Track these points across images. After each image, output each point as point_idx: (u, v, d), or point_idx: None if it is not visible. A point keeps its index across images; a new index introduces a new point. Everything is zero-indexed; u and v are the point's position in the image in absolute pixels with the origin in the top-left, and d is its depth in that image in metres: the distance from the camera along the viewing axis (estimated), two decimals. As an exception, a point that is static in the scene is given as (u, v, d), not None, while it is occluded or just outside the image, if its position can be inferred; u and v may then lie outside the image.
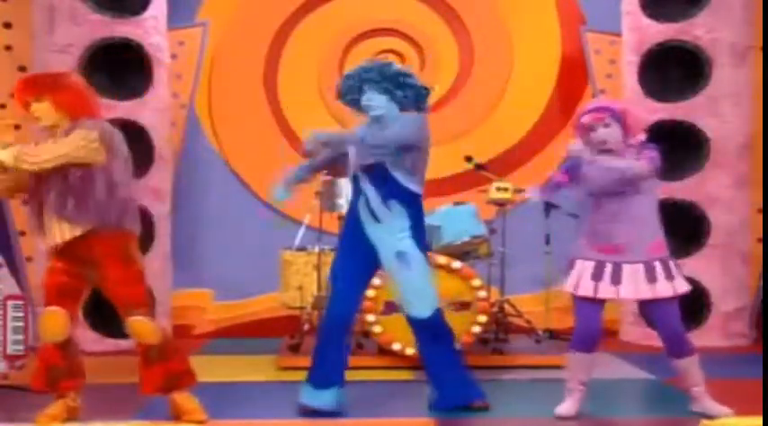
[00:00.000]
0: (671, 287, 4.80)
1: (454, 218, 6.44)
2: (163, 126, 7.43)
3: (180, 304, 7.84)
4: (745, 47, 7.38)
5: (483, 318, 6.24)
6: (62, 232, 4.65)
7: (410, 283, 5.05)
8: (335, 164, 5.83)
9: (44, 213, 4.69)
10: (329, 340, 5.11)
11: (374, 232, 5.05)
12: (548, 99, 8.19)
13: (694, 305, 6.92)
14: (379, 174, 5.00)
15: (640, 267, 4.79)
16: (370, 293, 5.99)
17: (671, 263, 4.84)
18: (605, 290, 4.82)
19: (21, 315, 5.66)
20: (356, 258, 5.12)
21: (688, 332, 4.97)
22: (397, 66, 5.22)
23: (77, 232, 4.63)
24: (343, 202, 6.37)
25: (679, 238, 6.35)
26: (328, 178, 6.63)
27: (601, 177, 4.81)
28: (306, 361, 5.34)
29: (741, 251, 7.41)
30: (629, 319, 7.51)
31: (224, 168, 8.08)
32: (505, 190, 6.84)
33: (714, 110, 7.27)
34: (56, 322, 4.73)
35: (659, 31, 7.34)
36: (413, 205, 5.06)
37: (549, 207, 7.19)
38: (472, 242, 6.47)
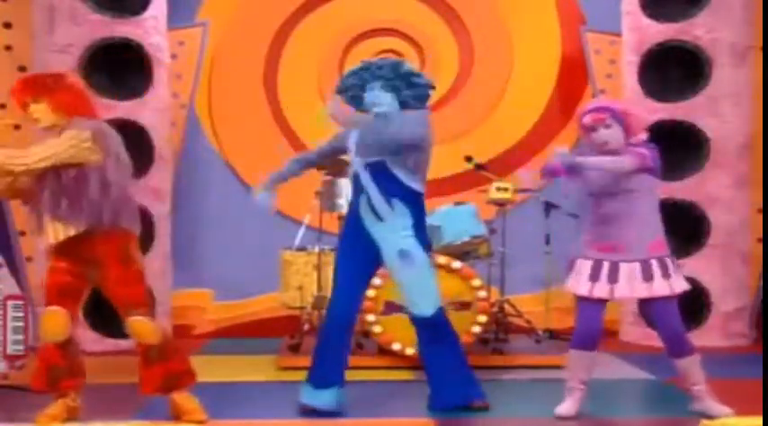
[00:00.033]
0: (667, 285, 4.79)
1: (454, 218, 6.44)
2: (163, 126, 7.43)
3: (180, 304, 7.84)
4: (745, 47, 7.38)
5: (483, 318, 6.24)
6: (56, 232, 4.65)
7: (413, 281, 5.05)
8: (328, 162, 5.83)
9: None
10: (330, 339, 5.12)
11: (377, 231, 5.05)
12: (548, 99, 8.19)
13: (694, 305, 6.93)
14: (381, 172, 5.00)
15: (637, 266, 4.80)
16: (370, 293, 5.98)
17: (668, 262, 4.83)
18: (601, 289, 4.82)
19: (21, 314, 5.66)
20: (357, 257, 5.12)
21: (688, 332, 4.97)
22: (408, 64, 5.24)
23: (71, 232, 4.63)
24: (343, 202, 6.37)
25: (679, 238, 6.35)
26: (328, 178, 6.63)
27: (600, 177, 4.81)
28: (306, 361, 5.34)
29: (741, 251, 7.41)
30: (629, 319, 7.51)
31: (224, 168, 8.08)
32: (505, 190, 6.84)
33: (714, 110, 7.27)
34: (56, 322, 4.73)
35: (659, 31, 7.34)
36: (415, 203, 5.06)
37: (549, 207, 7.20)
38: (472, 242, 6.47)
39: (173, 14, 7.60)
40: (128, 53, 7.16)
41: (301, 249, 6.98)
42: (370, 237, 5.07)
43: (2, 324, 5.61)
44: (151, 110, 7.29)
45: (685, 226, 7.05)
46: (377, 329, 6.19)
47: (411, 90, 5.09)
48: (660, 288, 4.79)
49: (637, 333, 7.37)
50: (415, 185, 5.04)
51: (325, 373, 5.05)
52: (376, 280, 5.93)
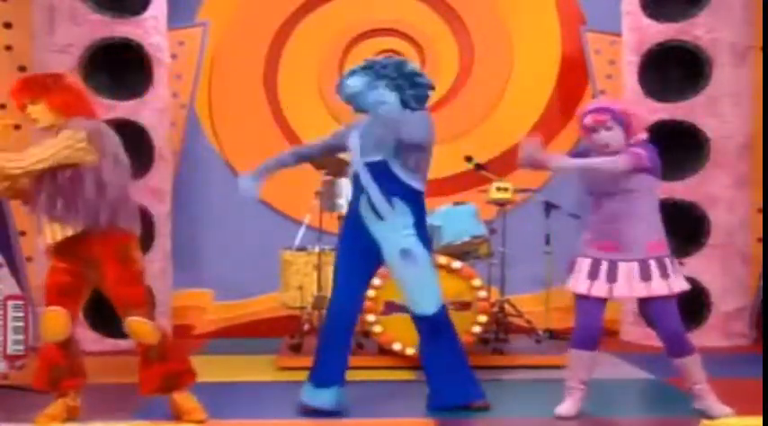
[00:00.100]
0: (666, 285, 4.79)
1: (454, 218, 6.44)
2: (163, 126, 7.43)
3: (180, 304, 7.84)
4: (745, 47, 7.38)
5: (483, 318, 6.24)
6: (54, 232, 4.66)
7: (415, 280, 5.05)
8: (320, 158, 5.81)
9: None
10: (330, 339, 5.12)
11: (377, 230, 5.05)
12: (548, 99, 8.19)
13: (694, 304, 6.93)
14: (382, 172, 5.00)
15: (635, 265, 4.80)
16: (370, 293, 5.98)
17: (667, 262, 4.83)
18: (600, 288, 4.83)
19: (21, 314, 5.66)
20: (357, 257, 5.12)
21: (688, 332, 4.97)
22: (412, 64, 5.24)
23: (69, 232, 4.64)
24: (343, 202, 6.37)
25: (679, 238, 6.35)
26: (328, 178, 6.63)
27: (597, 176, 4.82)
28: (306, 361, 5.34)
29: (741, 251, 7.41)
30: (629, 319, 7.51)
31: (224, 168, 8.07)
32: (505, 190, 6.84)
33: (714, 110, 7.27)
34: (57, 321, 4.73)
35: (659, 31, 7.34)
36: (416, 202, 5.06)
37: (549, 207, 7.20)
38: (472, 242, 6.47)
39: (173, 14, 7.60)
40: (128, 53, 7.16)
41: (301, 249, 6.98)
42: (370, 237, 5.07)
43: (2, 324, 5.61)
44: (151, 110, 7.28)
45: (685, 226, 7.05)
46: (377, 329, 6.19)
47: (414, 90, 5.09)
48: (658, 287, 4.78)
49: (637, 333, 7.36)
50: (416, 184, 5.04)
51: (326, 373, 5.05)
52: (376, 280, 5.93)
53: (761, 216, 7.39)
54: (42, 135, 4.78)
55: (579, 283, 4.87)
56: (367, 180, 5.03)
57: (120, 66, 7.19)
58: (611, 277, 4.81)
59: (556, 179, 7.56)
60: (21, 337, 5.64)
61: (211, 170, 8.04)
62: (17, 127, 6.85)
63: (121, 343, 6.69)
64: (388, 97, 5.06)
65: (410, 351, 6.07)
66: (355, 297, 5.19)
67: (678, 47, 7.30)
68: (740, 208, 7.38)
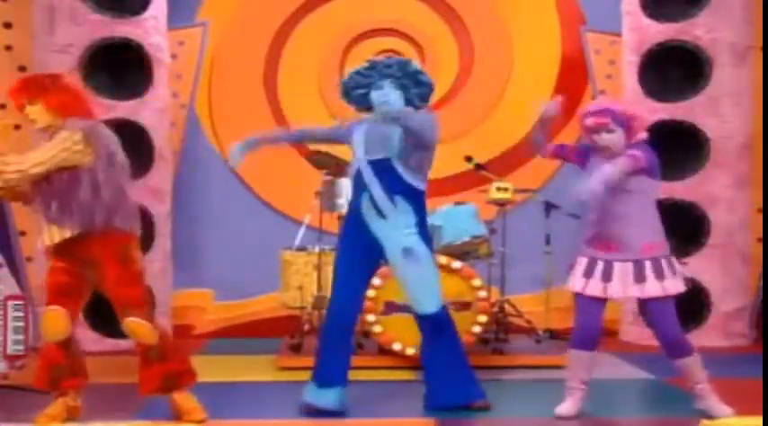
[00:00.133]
0: (660, 287, 4.78)
1: (454, 218, 6.44)
2: (163, 126, 7.43)
3: (180, 304, 7.84)
4: (745, 47, 7.38)
5: (483, 318, 6.24)
6: (51, 234, 4.66)
7: (417, 279, 5.05)
8: (324, 159, 5.82)
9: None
10: (331, 339, 5.12)
11: (379, 228, 5.05)
12: (548, 99, 8.17)
13: (694, 305, 6.94)
14: (385, 170, 5.00)
15: (630, 266, 4.80)
16: (370, 293, 5.98)
17: (664, 263, 4.82)
18: (595, 287, 4.83)
19: (21, 314, 5.66)
20: (357, 257, 5.11)
21: (688, 333, 4.97)
22: (415, 63, 5.24)
23: (66, 234, 4.63)
24: (344, 202, 6.37)
25: (679, 238, 6.34)
26: (328, 178, 6.63)
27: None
28: (306, 361, 5.34)
29: (741, 251, 7.41)
30: (629, 319, 7.51)
31: (224, 168, 8.06)
32: (505, 190, 6.84)
33: (714, 110, 7.27)
34: (57, 321, 4.73)
35: (659, 31, 7.34)
36: (417, 201, 5.06)
37: (549, 207, 7.20)
38: (472, 242, 6.47)
39: (173, 14, 7.60)
40: (128, 53, 7.16)
41: (301, 249, 6.98)
42: (371, 236, 5.07)
43: (2, 324, 5.61)
44: (151, 110, 7.28)
45: (685, 226, 7.05)
46: (377, 329, 6.19)
47: (417, 88, 5.10)
48: (652, 289, 4.78)
49: (637, 333, 7.36)
50: (418, 183, 5.05)
51: (329, 373, 5.05)
52: (376, 280, 5.93)
53: (761, 216, 7.39)
54: (41, 135, 4.78)
55: (575, 281, 4.89)
56: (370, 177, 5.03)
57: (120, 66, 7.19)
58: (606, 276, 4.82)
59: (556, 179, 7.56)
60: (21, 337, 5.64)
61: (211, 170, 8.04)
62: (17, 127, 6.90)
63: (121, 343, 6.68)
64: (393, 95, 5.06)
65: (410, 351, 6.07)
66: (355, 297, 5.19)
67: (678, 47, 7.30)
68: (740, 208, 7.38)
